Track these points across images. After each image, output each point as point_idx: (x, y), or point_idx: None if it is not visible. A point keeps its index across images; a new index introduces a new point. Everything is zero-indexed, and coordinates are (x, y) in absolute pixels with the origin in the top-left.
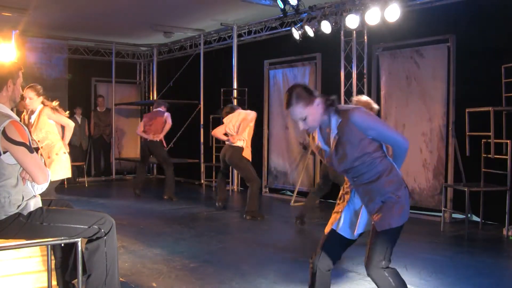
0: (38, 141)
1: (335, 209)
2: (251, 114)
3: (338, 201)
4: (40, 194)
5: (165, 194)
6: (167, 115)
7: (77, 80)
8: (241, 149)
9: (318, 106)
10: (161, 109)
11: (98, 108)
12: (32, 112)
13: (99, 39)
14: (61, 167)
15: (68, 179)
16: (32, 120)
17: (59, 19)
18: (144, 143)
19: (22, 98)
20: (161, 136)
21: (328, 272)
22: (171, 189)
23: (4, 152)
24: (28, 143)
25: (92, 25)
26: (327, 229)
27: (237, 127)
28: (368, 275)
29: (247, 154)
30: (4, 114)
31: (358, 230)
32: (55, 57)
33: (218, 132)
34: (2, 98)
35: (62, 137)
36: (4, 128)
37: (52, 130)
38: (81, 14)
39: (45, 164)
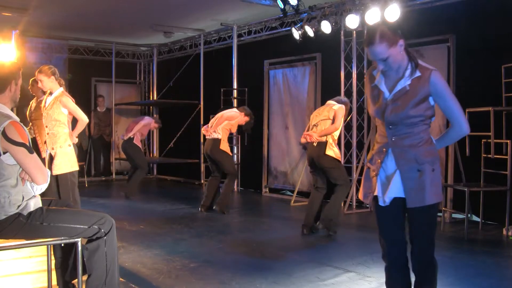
0: (46, 126)
1: (369, 174)
2: (231, 113)
3: (368, 163)
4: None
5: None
6: (147, 118)
7: (77, 80)
8: (218, 141)
9: (401, 48)
10: (146, 117)
11: (98, 108)
12: (50, 93)
13: (99, 39)
14: (65, 160)
15: None
16: (47, 104)
17: (59, 19)
18: (122, 145)
19: (36, 82)
20: (129, 134)
21: (402, 265)
22: (134, 187)
23: (4, 153)
24: (28, 144)
25: (92, 25)
26: (363, 197)
27: (213, 121)
28: (415, 265)
29: (225, 147)
30: (4, 114)
31: (390, 194)
32: (55, 57)
33: (204, 129)
34: (4, 99)
35: (73, 129)
36: (4, 128)
37: (62, 120)
38: (81, 14)
39: (50, 155)
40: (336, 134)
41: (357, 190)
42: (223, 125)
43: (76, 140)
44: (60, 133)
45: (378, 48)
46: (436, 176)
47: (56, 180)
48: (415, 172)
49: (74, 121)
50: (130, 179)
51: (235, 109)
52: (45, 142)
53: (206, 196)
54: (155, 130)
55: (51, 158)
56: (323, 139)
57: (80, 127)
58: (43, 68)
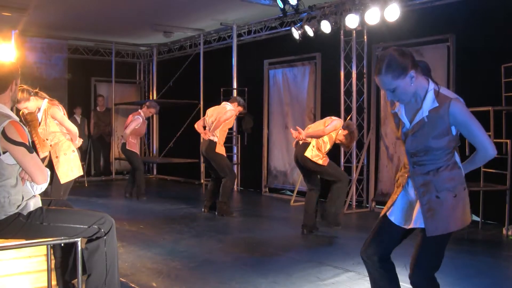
0: (46, 139)
1: (393, 193)
2: (227, 114)
3: (395, 184)
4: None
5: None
6: (135, 118)
7: (77, 80)
8: (213, 143)
9: (412, 80)
10: (141, 111)
11: (98, 108)
12: (38, 109)
13: (99, 38)
14: (70, 167)
15: None
16: (40, 120)
17: (58, 19)
18: (121, 147)
19: (23, 89)
20: (122, 140)
21: (380, 263)
22: (140, 191)
23: (4, 152)
24: (27, 143)
25: (92, 25)
26: (382, 213)
27: (210, 124)
28: (412, 283)
29: (220, 150)
30: (4, 114)
31: (414, 223)
32: (54, 56)
33: (198, 124)
34: (4, 98)
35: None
36: (3, 128)
37: (58, 129)
38: (80, 14)
39: (53, 164)
40: (324, 145)
41: (357, 190)
42: (221, 128)
43: (79, 144)
44: (62, 141)
45: (384, 79)
46: (458, 202)
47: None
48: (434, 200)
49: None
50: (134, 182)
51: (228, 105)
52: (49, 153)
53: (207, 199)
54: (155, 130)
55: (53, 166)
56: (308, 140)
57: (73, 137)
58: (18, 97)
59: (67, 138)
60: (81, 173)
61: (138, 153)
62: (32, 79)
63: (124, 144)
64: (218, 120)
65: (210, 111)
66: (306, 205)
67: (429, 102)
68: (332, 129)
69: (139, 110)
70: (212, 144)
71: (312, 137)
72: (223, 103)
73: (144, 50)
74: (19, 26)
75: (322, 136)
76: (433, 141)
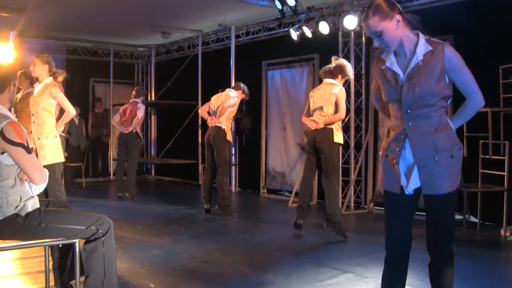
0: (33, 114)
1: (390, 160)
2: (230, 101)
3: (384, 152)
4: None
5: (127, 192)
6: (140, 105)
7: (75, 80)
8: (222, 130)
9: (399, 24)
10: (138, 100)
11: (96, 109)
12: (39, 81)
13: (97, 39)
14: (52, 151)
15: (65, 179)
16: (36, 91)
17: (57, 20)
18: (120, 136)
19: (23, 74)
20: (131, 128)
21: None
22: (131, 188)
23: (2, 153)
24: (25, 144)
25: (90, 26)
26: (389, 187)
27: (215, 110)
28: (435, 264)
29: (229, 137)
30: (2, 114)
31: (412, 185)
32: (53, 57)
33: (203, 109)
34: (3, 99)
35: (57, 119)
36: (2, 128)
37: (49, 109)
38: (79, 15)
39: (35, 147)
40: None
41: (355, 191)
42: (227, 114)
43: (61, 130)
44: (46, 123)
45: (371, 22)
46: (454, 163)
47: None
48: (432, 160)
49: (61, 113)
50: (127, 179)
51: (232, 92)
52: (30, 132)
53: (204, 197)
54: (153, 131)
55: (37, 149)
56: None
57: (67, 118)
58: (41, 54)
59: (52, 121)
60: (62, 159)
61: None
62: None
63: (133, 133)
64: (223, 107)
65: (214, 97)
66: (303, 186)
67: (422, 47)
68: (345, 106)
69: (135, 99)
70: (221, 131)
71: (330, 124)
72: (227, 89)
73: (142, 51)
74: (17, 26)
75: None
76: (429, 86)
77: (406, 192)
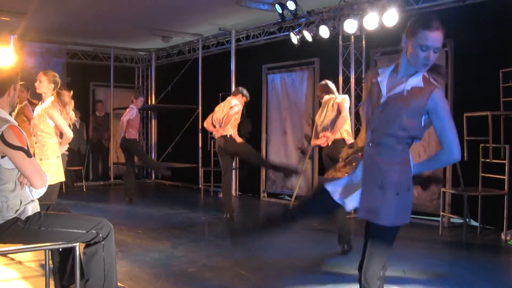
0: (34, 136)
1: (337, 170)
2: (234, 109)
3: (343, 161)
4: (38, 199)
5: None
6: (130, 107)
7: (76, 84)
8: (231, 138)
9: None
10: (133, 105)
11: (97, 113)
12: (42, 99)
13: (98, 43)
14: (52, 172)
15: (66, 183)
16: (35, 113)
17: (57, 24)
18: (121, 143)
19: (23, 87)
20: (122, 134)
21: None
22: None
23: (2, 157)
24: (26, 148)
25: (91, 30)
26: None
27: (220, 120)
28: (363, 283)
29: (239, 140)
30: (3, 118)
31: (348, 203)
32: (53, 61)
33: (207, 122)
34: (3, 103)
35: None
36: (2, 132)
37: (48, 131)
38: (79, 19)
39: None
40: (348, 124)
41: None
42: (232, 122)
43: (63, 150)
44: (48, 144)
45: (439, 35)
46: (400, 200)
47: None
48: (376, 189)
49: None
50: (127, 184)
51: (233, 100)
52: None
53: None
54: (153, 135)
55: None
56: (338, 136)
57: (65, 141)
58: (49, 72)
59: (53, 141)
60: (62, 179)
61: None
62: (31, 84)
63: (124, 138)
64: (228, 116)
65: (217, 108)
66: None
67: (415, 80)
68: (347, 110)
69: (131, 106)
70: (230, 139)
71: (339, 131)
72: (228, 98)
73: (142, 55)
74: (18, 30)
75: (346, 121)
76: (401, 120)
77: (337, 200)
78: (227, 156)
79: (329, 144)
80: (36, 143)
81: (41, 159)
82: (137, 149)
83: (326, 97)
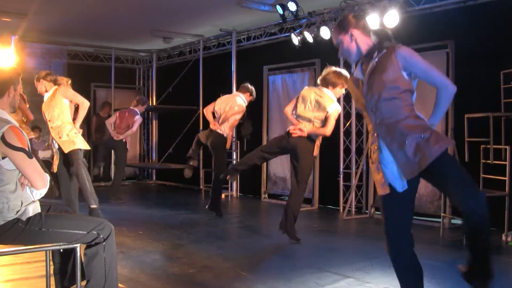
0: (49, 120)
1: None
2: (235, 108)
3: (370, 164)
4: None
5: (112, 197)
6: (137, 118)
7: (76, 85)
8: (223, 138)
9: (352, 38)
10: (137, 110)
11: (100, 113)
12: (46, 91)
13: (99, 44)
14: (77, 141)
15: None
16: (45, 98)
17: (58, 25)
18: (108, 140)
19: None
20: (121, 137)
21: (410, 255)
22: (117, 191)
23: (3, 158)
24: (27, 149)
25: (92, 31)
26: (380, 191)
27: (218, 114)
28: (469, 208)
29: (228, 145)
30: (3, 119)
31: (403, 180)
32: (54, 62)
33: (207, 109)
34: (2, 104)
35: (74, 119)
36: (3, 133)
37: (65, 110)
38: (80, 20)
39: (58, 143)
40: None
41: (356, 196)
42: (231, 122)
43: (80, 131)
44: (65, 123)
45: (332, 34)
46: (428, 137)
47: (65, 160)
48: (412, 145)
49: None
50: (113, 183)
51: (239, 97)
52: (49, 132)
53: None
54: (154, 136)
55: (60, 148)
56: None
57: (83, 111)
58: (42, 75)
59: (68, 120)
60: (88, 147)
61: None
62: (32, 85)
63: (123, 143)
64: (226, 114)
65: (220, 100)
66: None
67: (378, 54)
68: (333, 125)
69: (133, 108)
70: (221, 139)
71: (314, 135)
72: (235, 93)
73: (143, 56)
74: (19, 31)
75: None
76: (384, 82)
77: (399, 189)
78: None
79: (297, 136)
80: (51, 127)
81: (60, 137)
82: (125, 154)
83: (324, 90)
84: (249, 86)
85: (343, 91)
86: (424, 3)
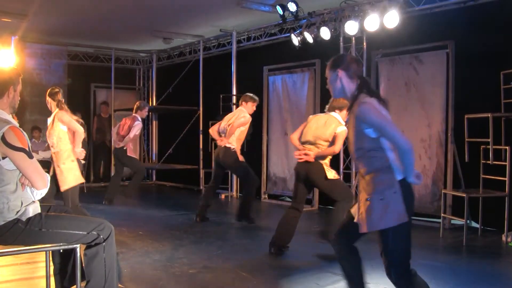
0: (52, 146)
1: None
2: (240, 120)
3: None
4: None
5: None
6: (135, 124)
7: (77, 86)
8: (232, 152)
9: (337, 77)
10: (138, 115)
11: (102, 114)
12: (51, 110)
13: (99, 45)
14: (69, 175)
15: None
16: (48, 123)
17: (58, 25)
18: (114, 150)
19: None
20: (122, 144)
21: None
22: (133, 189)
23: (3, 158)
24: (27, 149)
25: (92, 31)
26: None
27: (224, 129)
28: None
29: (241, 158)
30: (3, 119)
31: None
32: (54, 62)
33: (213, 129)
34: (2, 104)
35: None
36: (3, 133)
37: (63, 136)
38: (80, 20)
39: (55, 172)
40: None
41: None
42: (237, 135)
43: (82, 155)
44: (62, 150)
45: (326, 69)
46: (385, 203)
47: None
48: (364, 201)
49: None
50: (130, 181)
51: (242, 110)
52: (52, 160)
53: (201, 206)
54: (154, 136)
55: (58, 175)
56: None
57: (79, 139)
58: (52, 90)
59: (67, 147)
60: (81, 180)
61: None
62: (32, 85)
63: (123, 149)
64: (232, 126)
65: (225, 117)
66: (284, 225)
67: (353, 105)
68: (341, 145)
69: (134, 114)
70: (229, 152)
71: (322, 156)
72: (240, 107)
73: (143, 56)
74: (19, 32)
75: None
76: (356, 141)
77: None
78: (220, 169)
79: (304, 162)
80: (54, 153)
81: (58, 166)
82: (139, 165)
83: (332, 114)
84: (249, 94)
85: None
86: (424, 4)
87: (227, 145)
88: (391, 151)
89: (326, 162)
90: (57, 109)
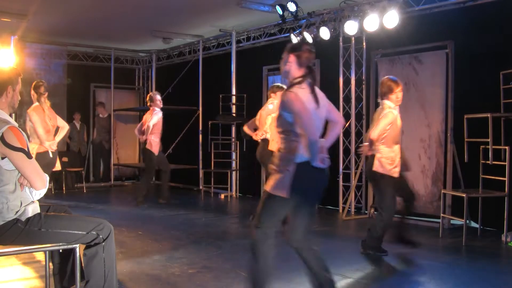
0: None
1: None
2: (267, 108)
3: None
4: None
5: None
6: (155, 112)
7: (76, 85)
8: (266, 141)
9: (285, 62)
10: (154, 107)
11: (100, 114)
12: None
13: (98, 45)
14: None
15: (66, 185)
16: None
17: (58, 25)
18: (142, 151)
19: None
20: (144, 137)
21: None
22: (164, 191)
23: (2, 158)
24: (26, 149)
25: (91, 31)
26: None
27: (259, 122)
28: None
29: (272, 146)
30: (3, 120)
31: None
32: (54, 62)
33: (247, 125)
34: (1, 104)
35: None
36: (2, 133)
37: (30, 133)
38: (80, 20)
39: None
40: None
41: (355, 196)
42: (269, 123)
43: (54, 148)
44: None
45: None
46: (280, 176)
47: None
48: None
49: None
50: (162, 185)
51: (270, 102)
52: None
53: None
54: None
55: None
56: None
57: (42, 143)
58: (36, 83)
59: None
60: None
61: (157, 154)
62: (31, 85)
63: (145, 144)
64: (261, 116)
65: (260, 112)
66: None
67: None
68: (383, 125)
69: (152, 107)
70: (266, 144)
71: (372, 145)
72: (268, 101)
73: (143, 56)
74: (19, 32)
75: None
76: (277, 122)
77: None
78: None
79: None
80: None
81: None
82: (150, 164)
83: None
84: (275, 85)
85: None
86: (423, 4)
87: (263, 137)
88: (300, 137)
89: (378, 156)
90: (36, 103)
